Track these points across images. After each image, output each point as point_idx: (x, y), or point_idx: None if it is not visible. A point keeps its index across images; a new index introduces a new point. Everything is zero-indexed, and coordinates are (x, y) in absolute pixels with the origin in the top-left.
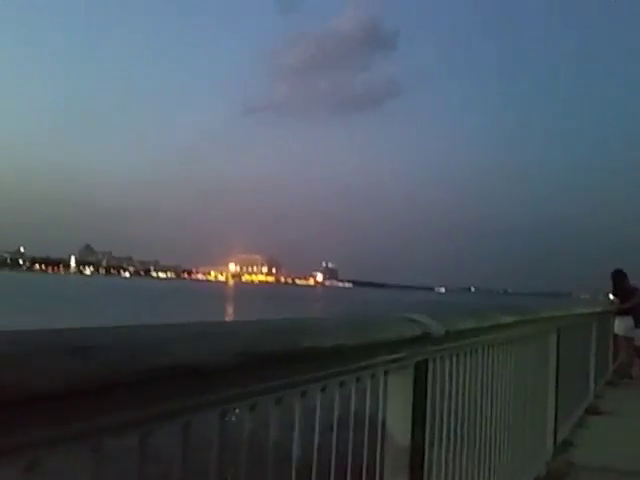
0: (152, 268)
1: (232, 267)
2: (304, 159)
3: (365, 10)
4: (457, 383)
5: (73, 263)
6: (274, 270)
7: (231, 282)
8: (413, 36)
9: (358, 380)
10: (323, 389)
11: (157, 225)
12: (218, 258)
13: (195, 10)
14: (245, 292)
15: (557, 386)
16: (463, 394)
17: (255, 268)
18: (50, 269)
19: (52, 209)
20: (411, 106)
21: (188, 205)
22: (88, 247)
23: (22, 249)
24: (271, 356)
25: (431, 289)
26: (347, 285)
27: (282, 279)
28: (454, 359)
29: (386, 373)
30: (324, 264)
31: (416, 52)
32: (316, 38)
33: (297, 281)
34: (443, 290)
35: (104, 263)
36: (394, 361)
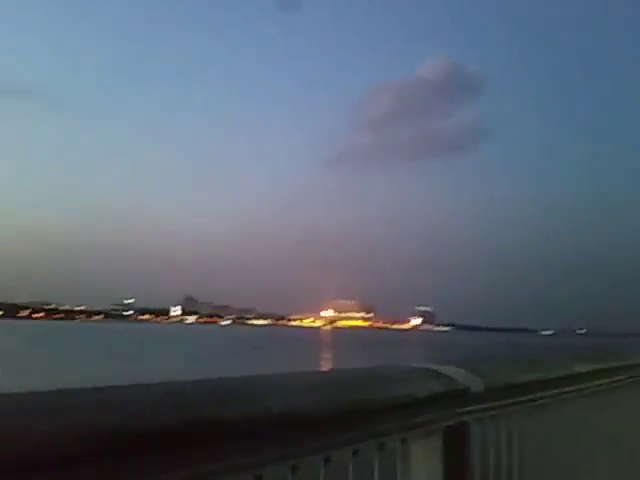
0: (249, 316)
1: (327, 313)
2: (391, 206)
3: (449, 57)
4: (507, 453)
5: (176, 312)
6: (369, 315)
7: (326, 327)
8: (497, 81)
9: (358, 452)
10: (327, 460)
11: (254, 275)
12: (312, 305)
13: (276, 59)
14: (340, 338)
15: None
16: (520, 468)
17: (350, 314)
18: (156, 319)
19: (157, 261)
20: (497, 151)
21: (281, 254)
22: (190, 297)
23: (130, 301)
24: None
25: (535, 332)
26: (444, 329)
27: (378, 324)
28: (502, 422)
29: (403, 442)
30: (420, 308)
31: (501, 97)
32: (398, 87)
33: (393, 326)
34: (549, 332)
35: (204, 312)
36: (414, 426)
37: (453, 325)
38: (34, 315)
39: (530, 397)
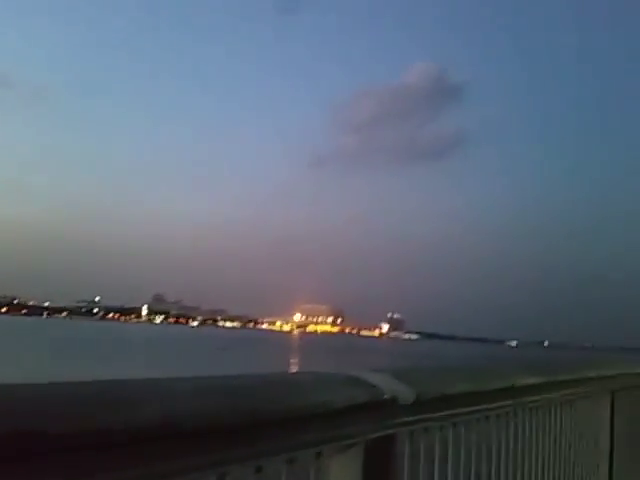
0: (219, 317)
1: (297, 317)
2: (369, 210)
3: (432, 63)
4: (439, 471)
5: (144, 312)
6: (339, 320)
7: (296, 332)
8: (481, 87)
9: (262, 469)
10: (220, 478)
11: (225, 275)
12: (283, 308)
13: (260, 62)
14: (309, 343)
15: (611, 472)
16: None
17: (320, 318)
18: (123, 318)
19: (127, 259)
20: (478, 156)
21: (255, 255)
22: (159, 296)
23: (97, 298)
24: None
25: (501, 342)
26: (413, 337)
27: (347, 330)
28: (433, 436)
29: (318, 456)
30: (390, 315)
31: (483, 103)
32: (382, 91)
33: (362, 332)
34: (514, 344)
35: (173, 312)
36: (331, 439)
37: (421, 333)
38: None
39: (466, 410)
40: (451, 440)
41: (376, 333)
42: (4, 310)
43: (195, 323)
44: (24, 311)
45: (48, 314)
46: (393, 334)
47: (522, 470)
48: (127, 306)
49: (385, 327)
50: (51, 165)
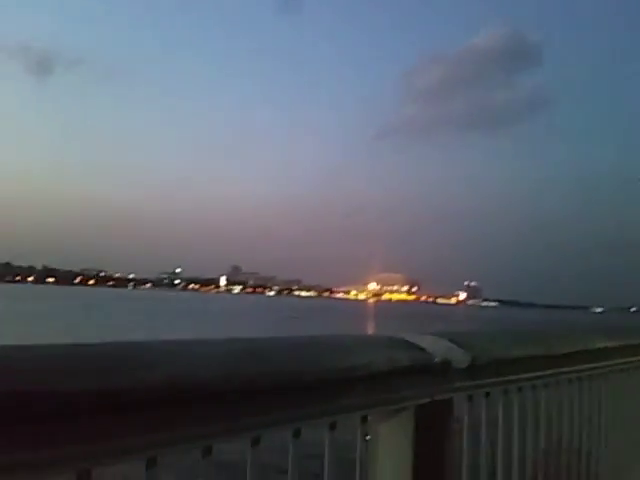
0: (295, 287)
1: (372, 286)
2: (442, 179)
3: (505, 25)
4: (493, 439)
5: (223, 282)
6: (414, 289)
7: (370, 301)
8: (558, 49)
9: (299, 433)
10: (254, 442)
11: (300, 246)
12: (358, 277)
13: (330, 33)
14: (383, 310)
15: None
16: (506, 457)
17: (395, 287)
18: (202, 289)
19: (206, 233)
20: (556, 120)
21: (329, 226)
22: (236, 267)
23: (178, 270)
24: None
25: (586, 308)
26: (491, 304)
27: (423, 298)
28: (488, 403)
29: (364, 421)
30: (467, 283)
31: (561, 65)
32: (453, 57)
33: (438, 300)
34: (599, 310)
35: (250, 282)
36: (377, 403)
37: (500, 301)
38: (87, 282)
39: (531, 374)
40: (516, 406)
41: (453, 301)
42: (92, 282)
43: (271, 293)
44: (110, 283)
45: (133, 286)
46: (470, 302)
47: (599, 439)
48: (206, 277)
49: (462, 295)
50: (124, 141)
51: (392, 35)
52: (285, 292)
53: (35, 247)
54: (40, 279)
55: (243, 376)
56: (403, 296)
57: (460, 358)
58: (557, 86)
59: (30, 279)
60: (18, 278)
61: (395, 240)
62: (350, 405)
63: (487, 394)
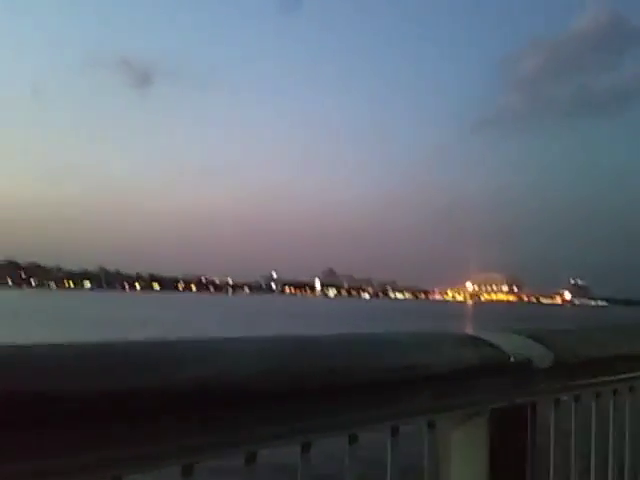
0: (389, 289)
1: (470, 286)
2: (541, 172)
3: (607, 6)
4: (581, 447)
5: (318, 286)
6: (515, 289)
7: (469, 301)
8: None
9: (356, 439)
10: (304, 447)
11: (394, 246)
12: (455, 278)
13: (420, 16)
14: (482, 312)
15: None
16: (598, 467)
17: (495, 287)
18: (298, 292)
19: (301, 234)
20: None
21: (423, 224)
22: (331, 270)
23: (274, 273)
24: None
25: None
26: (600, 303)
27: (525, 298)
28: (575, 406)
29: (431, 426)
30: (572, 281)
31: None
32: (553, 41)
33: (541, 299)
34: None
35: (345, 285)
36: (445, 408)
37: (610, 299)
38: (189, 288)
39: (621, 377)
40: (612, 410)
41: (558, 300)
42: (194, 289)
43: (367, 296)
44: (211, 287)
45: (233, 290)
46: (577, 301)
47: None
48: (303, 280)
49: (567, 294)
50: (227, 151)
51: (487, 22)
52: (380, 294)
53: (137, 254)
54: (147, 286)
55: (287, 375)
56: (503, 296)
57: (541, 356)
58: None
59: (137, 286)
60: (126, 285)
61: (494, 237)
62: (414, 409)
63: (577, 397)
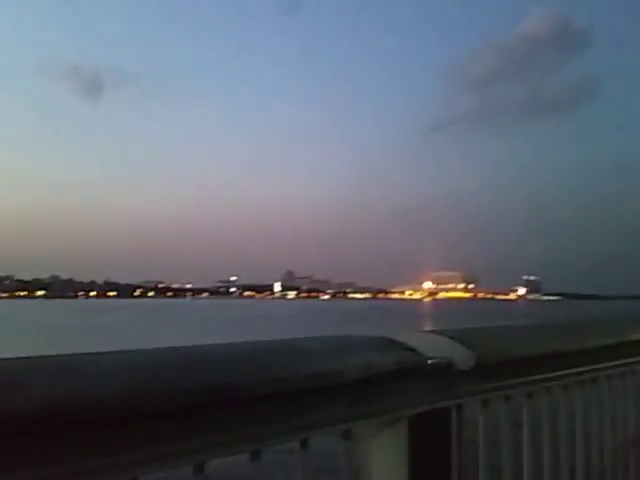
0: (349, 290)
1: (427, 285)
2: (495, 171)
3: (551, 10)
4: (504, 451)
5: (277, 288)
6: (471, 286)
7: (426, 300)
8: (608, 31)
9: (258, 454)
10: (198, 469)
11: (352, 248)
12: (412, 277)
13: (374, 28)
14: (439, 309)
15: None
16: (515, 472)
17: (451, 285)
18: (257, 295)
19: (259, 238)
20: (610, 105)
21: (380, 226)
22: (290, 273)
23: (233, 278)
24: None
25: None
26: (552, 298)
27: (480, 295)
28: (495, 409)
29: (347, 436)
30: (526, 277)
31: (613, 48)
32: (501, 45)
33: (497, 296)
34: None
35: (305, 287)
36: (364, 415)
37: (563, 294)
38: (147, 294)
39: (549, 375)
40: (526, 413)
41: (512, 297)
42: (151, 294)
43: (326, 297)
44: (169, 294)
45: (192, 295)
46: (531, 296)
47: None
48: (261, 284)
49: (521, 290)
50: (184, 157)
51: (436, 26)
52: (339, 295)
53: (93, 262)
54: (102, 293)
55: (172, 390)
56: (460, 294)
57: (463, 358)
58: (608, 71)
59: (92, 293)
60: (81, 293)
61: (449, 237)
62: (326, 419)
63: (506, 398)
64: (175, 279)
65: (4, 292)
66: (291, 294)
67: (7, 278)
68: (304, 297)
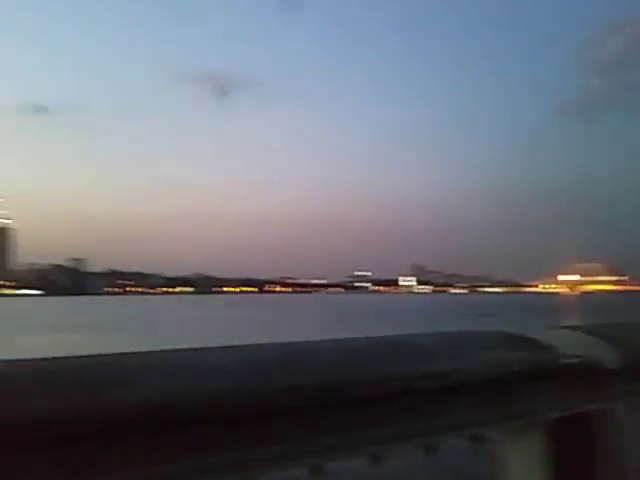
0: (481, 284)
1: (569, 277)
2: (632, 153)
3: None
4: None
5: (407, 282)
6: (620, 278)
7: (568, 293)
8: None
9: (380, 459)
10: (316, 470)
11: (487, 241)
12: (552, 269)
13: (507, 9)
14: (583, 304)
15: None
16: None
17: (596, 277)
18: (388, 289)
19: (387, 233)
20: None
21: (515, 216)
22: (420, 267)
23: (363, 273)
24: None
25: None
26: None
27: (632, 287)
28: None
29: (474, 440)
30: None
31: None
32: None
33: None
34: None
35: (435, 281)
36: (493, 418)
37: None
38: (279, 289)
39: None
40: None
41: None
42: (285, 289)
43: (457, 290)
44: (300, 289)
45: (325, 289)
46: None
47: None
48: (391, 278)
49: None
50: (307, 157)
51: (565, 6)
52: (472, 289)
53: (224, 259)
54: (240, 289)
55: (284, 388)
56: (607, 286)
57: (606, 356)
58: None
59: (226, 289)
60: (215, 289)
61: (592, 225)
62: (446, 423)
63: (635, 404)
64: (305, 274)
65: (152, 288)
66: (421, 288)
67: (155, 276)
68: (436, 291)
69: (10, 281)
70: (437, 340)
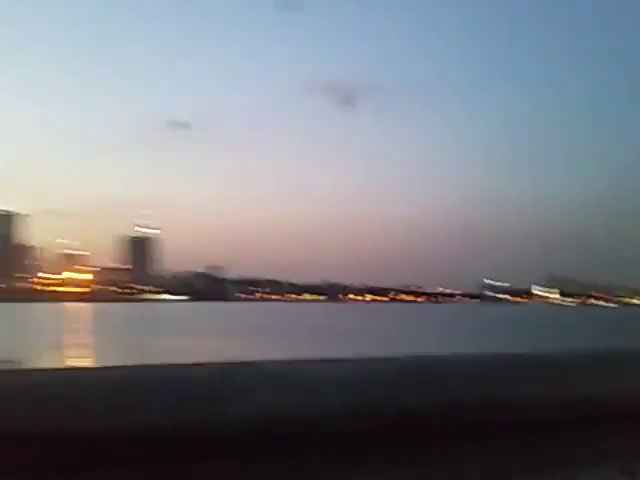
0: (625, 294)
1: None
2: None
3: None
4: None
5: (542, 292)
6: None
7: None
8: None
9: None
10: None
11: (622, 243)
12: None
13: None
14: None
15: None
16: None
17: None
18: (520, 298)
19: (517, 242)
20: None
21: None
22: (550, 274)
23: (488, 280)
24: None
25: None
26: None
27: None
28: None
29: (629, 472)
30: None
31: None
32: None
33: None
34: None
35: (570, 290)
36: None
37: None
38: (406, 298)
39: None
40: None
41: None
42: (405, 297)
43: (602, 303)
44: (422, 298)
45: (454, 299)
46: None
47: None
48: (522, 287)
49: None
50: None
51: None
52: (613, 300)
53: (350, 266)
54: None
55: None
56: None
57: None
58: None
59: (351, 296)
60: (341, 297)
61: None
62: (594, 454)
63: None
64: (424, 281)
65: (281, 295)
66: (565, 299)
67: (284, 283)
68: (577, 302)
69: (157, 287)
70: (579, 358)
